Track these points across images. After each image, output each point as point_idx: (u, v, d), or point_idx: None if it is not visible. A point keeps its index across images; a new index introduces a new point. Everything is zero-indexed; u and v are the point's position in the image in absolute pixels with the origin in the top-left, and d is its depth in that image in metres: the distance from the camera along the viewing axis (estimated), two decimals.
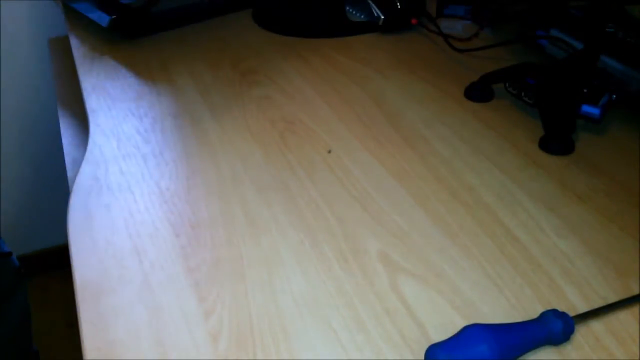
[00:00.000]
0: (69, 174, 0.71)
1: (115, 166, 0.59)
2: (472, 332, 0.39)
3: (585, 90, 0.62)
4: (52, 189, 1.47)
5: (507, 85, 0.67)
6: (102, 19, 0.83)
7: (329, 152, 0.60)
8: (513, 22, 0.84)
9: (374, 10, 0.85)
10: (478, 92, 0.69)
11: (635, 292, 0.45)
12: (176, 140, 0.63)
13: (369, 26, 0.86)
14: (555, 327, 0.40)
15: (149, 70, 0.76)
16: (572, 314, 0.42)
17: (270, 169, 0.58)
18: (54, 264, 1.55)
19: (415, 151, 0.61)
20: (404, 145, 0.61)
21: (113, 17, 0.81)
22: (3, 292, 0.83)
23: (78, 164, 0.60)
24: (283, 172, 0.58)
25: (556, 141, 0.60)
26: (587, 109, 0.61)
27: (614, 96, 0.62)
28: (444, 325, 0.43)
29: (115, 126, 0.65)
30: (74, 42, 0.84)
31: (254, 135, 0.63)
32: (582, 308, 0.44)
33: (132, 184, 0.56)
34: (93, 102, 0.70)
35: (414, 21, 0.86)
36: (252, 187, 0.56)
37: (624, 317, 0.43)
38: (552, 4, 0.78)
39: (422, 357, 0.40)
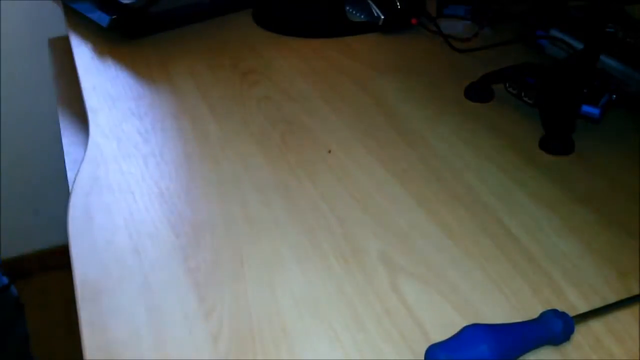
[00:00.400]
0: (69, 173, 0.71)
1: (115, 166, 0.59)
2: (472, 332, 0.39)
3: (585, 91, 0.62)
4: (52, 188, 1.47)
5: (507, 85, 0.67)
6: (102, 19, 0.83)
7: (329, 152, 0.60)
8: (513, 22, 0.84)
9: (374, 10, 0.85)
10: (478, 92, 0.69)
11: (636, 292, 0.45)
12: (176, 141, 0.63)
13: (369, 26, 0.86)
14: (556, 327, 0.40)
15: (149, 70, 0.76)
16: (572, 314, 0.42)
17: (270, 169, 0.58)
18: (54, 263, 1.56)
19: (415, 151, 0.61)
20: (403, 145, 0.61)
21: (113, 17, 0.81)
22: (3, 325, 0.83)
23: (78, 163, 0.60)
24: (283, 172, 0.58)
25: (556, 141, 0.60)
26: (587, 109, 0.61)
27: (614, 96, 0.62)
28: (444, 325, 0.43)
29: (116, 126, 0.65)
30: (74, 42, 0.84)
31: (254, 135, 0.63)
32: (582, 308, 0.44)
33: (132, 184, 0.56)
34: (93, 102, 0.70)
35: (414, 21, 0.85)
36: (252, 187, 0.56)
37: (624, 317, 0.43)
38: (552, 4, 0.78)
39: (422, 358, 0.40)
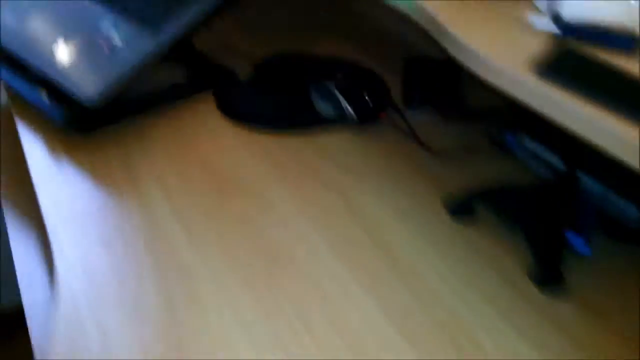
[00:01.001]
0: (25, 299, 0.64)
1: (92, 324, 0.54)
2: None
3: (568, 216, 0.62)
4: None
5: (486, 205, 0.67)
6: (54, 112, 0.76)
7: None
8: (481, 121, 0.85)
9: (343, 105, 0.83)
10: (458, 207, 0.68)
11: None
12: (156, 281, 0.58)
13: (338, 120, 0.84)
14: None
15: (110, 174, 0.71)
16: None
17: (261, 312, 0.55)
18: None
19: (392, 271, 0.59)
20: (378, 262, 0.60)
21: (67, 112, 0.75)
22: None
23: (35, 287, 0.55)
24: (274, 315, 0.55)
25: (544, 273, 0.60)
26: (573, 240, 0.61)
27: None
28: None
29: (83, 257, 0.60)
30: (23, 135, 0.77)
31: (239, 272, 0.60)
32: None
33: (115, 345, 0.52)
34: (54, 223, 0.64)
35: (382, 115, 0.85)
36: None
37: None
38: (517, 108, 0.79)
39: None
